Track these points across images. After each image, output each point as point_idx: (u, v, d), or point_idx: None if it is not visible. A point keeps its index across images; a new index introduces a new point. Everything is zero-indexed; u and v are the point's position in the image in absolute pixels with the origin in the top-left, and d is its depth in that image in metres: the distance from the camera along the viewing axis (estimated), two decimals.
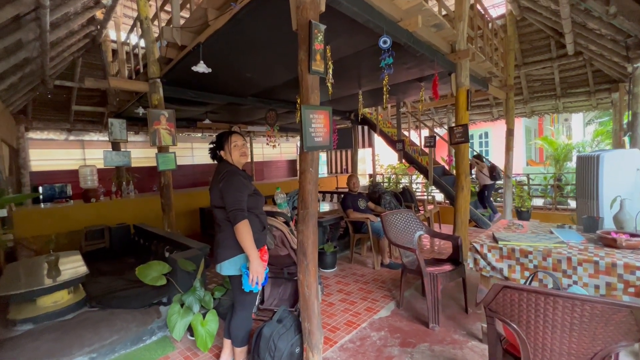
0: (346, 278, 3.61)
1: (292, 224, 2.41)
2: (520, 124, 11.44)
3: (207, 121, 6.32)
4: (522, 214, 6.02)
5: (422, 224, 3.12)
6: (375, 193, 4.64)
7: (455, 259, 2.77)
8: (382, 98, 6.34)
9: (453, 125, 3.97)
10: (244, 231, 1.76)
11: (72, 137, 7.26)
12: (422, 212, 5.17)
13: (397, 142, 6.59)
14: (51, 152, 7.46)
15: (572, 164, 7.39)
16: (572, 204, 7.30)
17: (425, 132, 9.30)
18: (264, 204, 2.15)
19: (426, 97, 6.68)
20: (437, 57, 3.55)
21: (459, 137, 3.89)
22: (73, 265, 3.10)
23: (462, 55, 3.78)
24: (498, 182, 6.31)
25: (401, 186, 9.31)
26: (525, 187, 7.11)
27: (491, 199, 6.40)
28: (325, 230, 4.18)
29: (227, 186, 1.83)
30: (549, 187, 7.13)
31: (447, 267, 2.63)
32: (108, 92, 6.09)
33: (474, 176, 6.56)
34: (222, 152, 2.00)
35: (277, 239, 2.35)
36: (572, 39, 5.33)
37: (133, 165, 8.58)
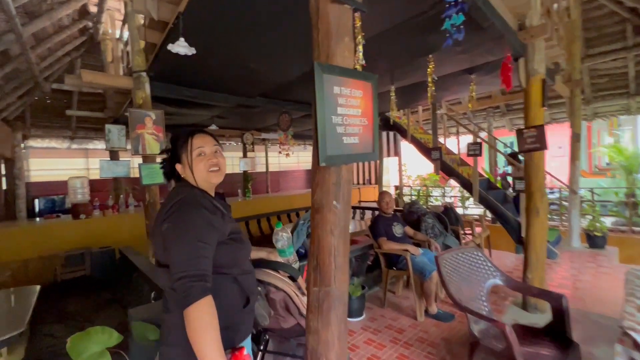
0: (379, 334, 2.64)
1: (302, 280, 1.51)
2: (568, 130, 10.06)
3: (213, 127, 5.60)
4: (595, 240, 4.81)
5: (495, 267, 2.12)
6: (412, 214, 3.67)
7: (560, 331, 1.75)
8: (416, 97, 5.38)
9: (521, 128, 2.97)
10: (202, 321, 0.89)
11: (74, 146, 6.78)
12: (469, 237, 4.12)
13: (432, 150, 5.58)
14: (53, 162, 7.01)
15: None
16: None
17: (464, 139, 8.24)
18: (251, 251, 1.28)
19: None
20: (508, 31, 2.59)
21: (531, 142, 2.87)
22: (17, 312, 2.34)
23: (537, 33, 2.80)
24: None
25: (440, 203, 8.20)
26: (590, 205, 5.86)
27: None
28: (350, 265, 3.24)
29: (174, 230, 0.98)
30: (623, 204, 5.84)
31: (552, 352, 1.62)
32: (106, 95, 5.51)
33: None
34: (178, 167, 1.15)
35: (278, 304, 1.46)
36: None
37: (135, 176, 8.05)
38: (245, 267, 1.14)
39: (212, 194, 1.19)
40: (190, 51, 2.20)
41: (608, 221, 6.04)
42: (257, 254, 1.45)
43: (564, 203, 6.94)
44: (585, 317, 2.76)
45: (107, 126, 5.02)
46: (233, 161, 8.99)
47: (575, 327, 1.83)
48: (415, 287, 2.85)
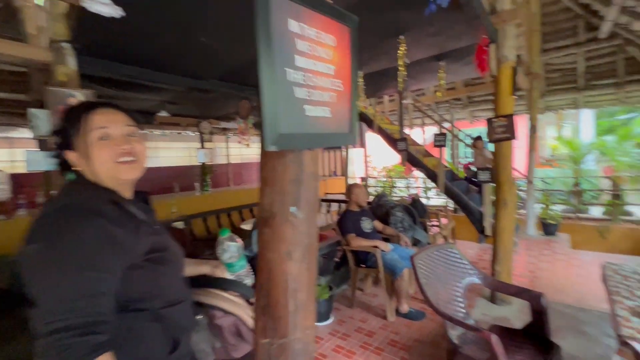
0: (348, 340, 2.44)
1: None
2: (524, 122, 10.65)
3: (164, 113, 5.02)
4: (549, 227, 5.04)
5: (471, 265, 1.98)
6: (381, 207, 3.51)
7: (540, 332, 1.65)
8: (384, 84, 5.22)
9: (491, 117, 2.88)
10: None
11: None
12: (436, 229, 4.07)
13: (399, 140, 5.48)
14: None
15: (587, 167, 6.55)
16: (593, 211, 6.42)
17: (428, 131, 8.31)
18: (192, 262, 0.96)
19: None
20: (483, 13, 2.44)
21: (501, 131, 2.80)
22: None
23: (508, 17, 2.69)
24: None
25: (406, 195, 8.24)
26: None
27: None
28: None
29: (46, 254, 0.64)
30: (570, 192, 6.22)
31: (534, 356, 1.50)
32: (30, 74, 4.67)
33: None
34: (70, 155, 0.79)
35: (227, 331, 1.16)
36: (614, 16, 4.38)
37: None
38: (172, 296, 0.82)
39: (127, 194, 0.85)
40: (117, 12, 1.76)
41: (557, 209, 6.42)
42: (198, 269, 1.13)
43: (520, 193, 7.29)
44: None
45: (31, 111, 4.28)
46: (190, 152, 8.33)
47: None
48: (386, 286, 2.68)
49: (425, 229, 3.74)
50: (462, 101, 7.51)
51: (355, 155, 12.25)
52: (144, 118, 5.74)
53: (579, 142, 7.01)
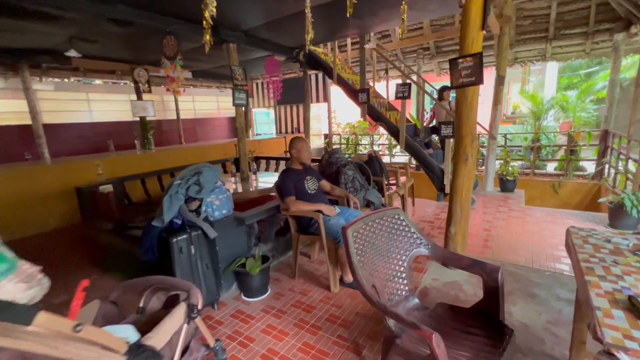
0: (283, 317, 2.13)
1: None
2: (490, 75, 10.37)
3: (72, 53, 4.07)
4: (507, 184, 4.96)
5: (419, 234, 1.65)
6: (331, 165, 3.08)
7: (491, 312, 1.37)
8: (339, 27, 4.55)
9: (455, 57, 2.44)
10: None
11: None
12: (393, 188, 3.77)
13: (360, 92, 4.97)
14: None
15: (547, 123, 6.51)
16: (550, 167, 6.50)
17: (393, 84, 7.78)
18: None
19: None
20: None
21: (466, 74, 2.38)
22: None
23: None
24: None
25: (365, 152, 7.90)
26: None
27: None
28: (252, 232, 2.59)
29: None
30: (529, 149, 6.18)
31: (483, 344, 1.23)
32: None
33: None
34: None
35: None
36: None
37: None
38: None
39: None
40: None
41: (515, 165, 6.43)
42: None
43: (481, 149, 7.22)
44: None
45: None
46: (124, 106, 7.23)
47: None
48: (329, 254, 2.35)
49: (381, 189, 3.42)
50: (430, 51, 6.98)
51: (321, 111, 11.61)
52: (51, 59, 4.69)
53: (542, 97, 6.89)
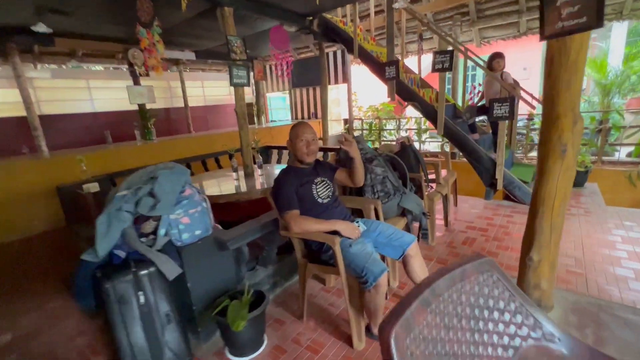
0: None
1: None
2: (538, 46, 8.93)
3: (41, 28, 3.42)
4: (577, 176, 3.93)
5: (529, 306, 0.82)
6: (352, 160, 2.26)
7: None
8: None
9: None
10: None
11: None
12: (433, 186, 2.91)
13: (387, 65, 4.05)
14: None
15: (620, 100, 5.25)
16: (622, 154, 5.28)
17: (426, 59, 6.67)
18: None
19: None
20: None
21: (569, 14, 1.46)
22: None
23: None
24: None
25: (392, 139, 6.90)
26: None
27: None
28: (241, 257, 1.85)
29: None
30: (596, 131, 5.04)
31: None
32: None
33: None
34: None
35: None
36: None
37: None
38: None
39: None
40: None
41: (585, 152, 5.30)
42: None
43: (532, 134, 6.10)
44: (621, 327, 1.74)
45: None
46: (120, 94, 6.55)
47: None
48: (350, 297, 1.58)
49: (419, 188, 2.58)
50: (470, 16, 5.85)
51: (339, 94, 10.67)
52: (33, 40, 4.08)
53: (610, 67, 5.60)
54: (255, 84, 7.96)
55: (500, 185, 3.55)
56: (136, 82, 5.55)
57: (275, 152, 5.47)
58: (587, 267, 2.22)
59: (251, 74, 7.87)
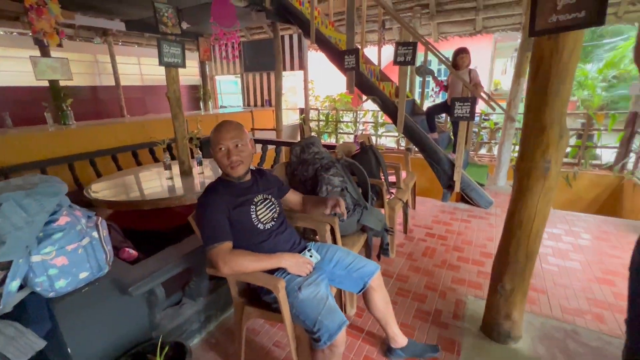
0: None
1: None
2: (489, 45, 9.21)
3: None
4: None
5: None
6: (305, 166, 1.88)
7: None
8: None
9: None
10: None
11: None
12: (393, 192, 2.66)
13: (346, 53, 3.70)
14: None
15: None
16: (605, 157, 5.31)
17: (386, 51, 6.42)
18: None
19: None
20: None
21: (566, 6, 1.22)
22: None
23: None
24: None
25: (351, 133, 6.62)
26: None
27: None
28: (154, 300, 1.40)
29: None
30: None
31: None
32: None
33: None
34: None
35: None
36: None
37: None
38: None
39: None
40: None
41: None
42: None
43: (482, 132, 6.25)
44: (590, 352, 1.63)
45: None
46: (23, 65, 5.32)
47: None
48: (299, 353, 1.23)
49: (379, 195, 2.30)
50: (429, 9, 5.71)
51: (296, 81, 10.15)
52: None
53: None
54: (201, 65, 7.13)
55: (458, 188, 3.45)
56: (45, 53, 4.53)
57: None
58: (547, 282, 2.14)
59: (196, 53, 7.02)
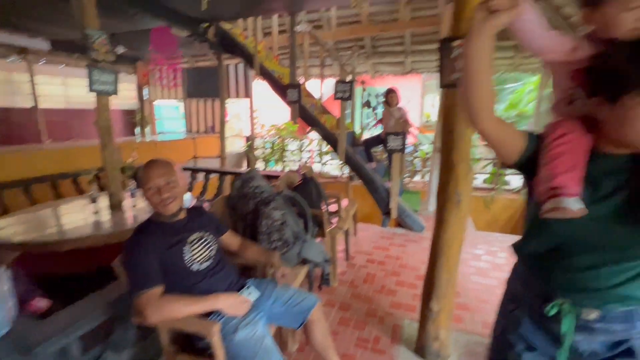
0: None
1: None
2: (419, 79, 10.33)
3: None
4: None
5: None
6: (245, 201, 1.88)
7: None
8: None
9: (449, 37, 1.53)
10: None
11: None
12: (334, 222, 2.76)
13: (289, 87, 3.87)
14: None
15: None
16: (513, 182, 6.12)
17: (329, 84, 6.84)
18: None
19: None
20: None
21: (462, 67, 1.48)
22: None
23: None
24: None
25: (298, 164, 6.73)
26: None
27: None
28: (69, 356, 1.25)
29: None
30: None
31: None
32: None
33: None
34: None
35: None
36: None
37: None
38: None
39: None
40: None
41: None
42: None
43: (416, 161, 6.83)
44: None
45: None
46: None
47: None
48: None
49: (320, 225, 2.37)
50: (366, 50, 6.28)
51: (240, 108, 10.14)
52: None
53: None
54: (139, 89, 6.79)
55: (394, 214, 3.71)
56: None
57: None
58: (471, 300, 2.36)
59: (133, 75, 6.70)
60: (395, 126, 3.56)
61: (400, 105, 3.95)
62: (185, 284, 1.25)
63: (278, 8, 3.81)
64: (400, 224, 3.92)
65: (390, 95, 3.87)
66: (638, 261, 0.70)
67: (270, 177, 3.16)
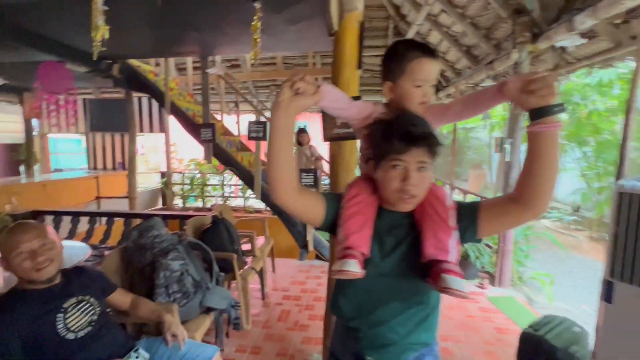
0: None
1: None
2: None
3: None
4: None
5: None
6: (142, 253, 1.80)
7: None
8: (172, 38, 3.37)
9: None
10: None
11: None
12: (248, 261, 2.78)
13: (203, 127, 3.87)
14: None
15: None
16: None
17: (247, 119, 6.92)
18: None
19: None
20: None
21: (342, 124, 1.74)
22: None
23: None
24: None
25: (212, 203, 6.50)
26: None
27: None
28: None
29: None
30: None
31: None
32: None
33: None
34: None
35: None
36: (420, 23, 4.41)
37: None
38: None
39: None
40: None
41: None
42: None
43: None
44: None
45: None
46: None
47: None
48: None
49: (230, 268, 2.36)
50: None
51: (156, 142, 9.56)
52: None
53: None
54: (26, 122, 5.94)
55: (311, 247, 3.87)
56: None
57: (67, 219, 3.71)
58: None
59: (18, 106, 5.84)
60: (307, 163, 3.82)
61: (311, 143, 4.26)
62: (59, 356, 1.15)
63: (187, 52, 3.87)
64: (318, 255, 4.09)
65: (300, 136, 4.16)
66: (419, 307, 0.76)
67: (183, 218, 3.03)
